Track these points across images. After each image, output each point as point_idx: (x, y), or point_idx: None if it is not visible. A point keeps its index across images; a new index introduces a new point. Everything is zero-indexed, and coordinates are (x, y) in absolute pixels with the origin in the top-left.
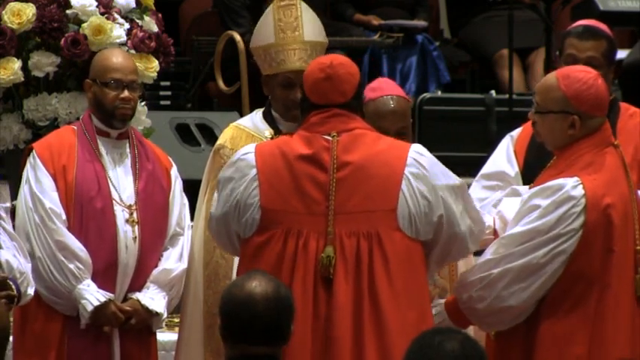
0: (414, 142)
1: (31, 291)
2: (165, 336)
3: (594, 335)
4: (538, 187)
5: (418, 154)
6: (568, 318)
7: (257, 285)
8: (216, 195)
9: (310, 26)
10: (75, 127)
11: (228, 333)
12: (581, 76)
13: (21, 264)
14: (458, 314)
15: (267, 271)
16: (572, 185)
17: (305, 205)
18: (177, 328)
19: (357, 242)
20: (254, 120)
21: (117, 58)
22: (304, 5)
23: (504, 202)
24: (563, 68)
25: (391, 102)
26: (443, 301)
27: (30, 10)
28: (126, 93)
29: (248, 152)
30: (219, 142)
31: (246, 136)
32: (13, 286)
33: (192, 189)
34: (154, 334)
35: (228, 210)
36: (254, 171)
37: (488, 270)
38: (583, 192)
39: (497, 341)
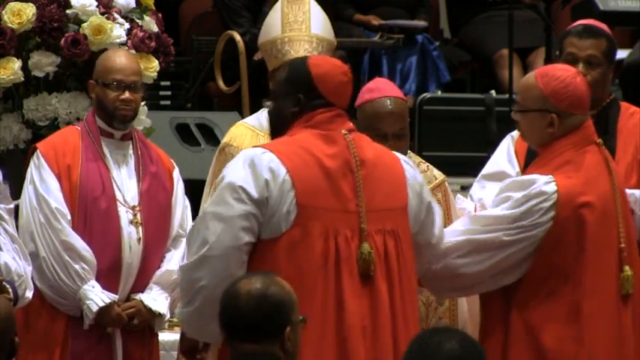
0: (412, 142)
1: (29, 294)
2: (166, 336)
3: (569, 331)
4: (512, 180)
5: (405, 159)
6: (539, 310)
7: (247, 283)
8: (230, 199)
9: (318, 21)
10: (79, 128)
11: (222, 330)
12: (559, 74)
13: (20, 267)
14: None
15: (314, 269)
16: (544, 181)
17: (340, 202)
18: (177, 328)
19: (384, 239)
20: (260, 119)
21: (120, 59)
22: (314, 2)
23: (486, 190)
24: (542, 67)
25: (389, 103)
26: None
27: (30, 10)
28: (127, 94)
29: (264, 152)
30: (224, 140)
31: (251, 134)
32: (10, 289)
33: (192, 189)
34: (156, 334)
35: (251, 210)
36: (283, 170)
37: (449, 237)
38: (555, 188)
39: (481, 330)
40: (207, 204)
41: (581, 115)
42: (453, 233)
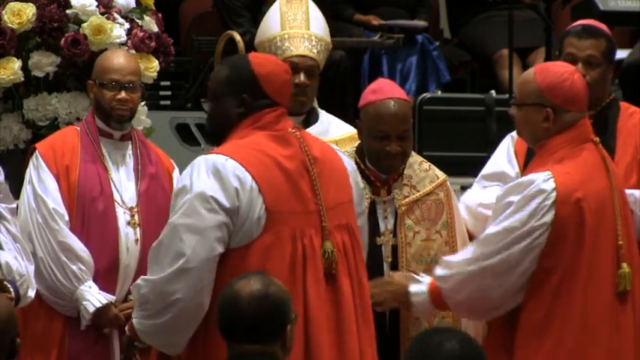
0: (413, 143)
1: (31, 293)
2: None
3: (568, 332)
4: (511, 184)
5: (338, 149)
6: (544, 312)
7: (245, 284)
8: (202, 209)
9: (316, 21)
10: (78, 128)
11: (220, 332)
12: (557, 69)
13: (21, 266)
14: (439, 299)
15: (284, 272)
16: (543, 179)
17: (302, 203)
18: None
19: (342, 235)
20: None
21: (117, 59)
22: (312, 3)
23: (487, 192)
24: (542, 63)
25: (392, 105)
26: (426, 282)
27: (30, 10)
28: (123, 94)
29: (227, 159)
30: None
31: None
32: (11, 288)
33: None
34: None
35: (224, 220)
36: (249, 176)
37: (465, 266)
38: (554, 185)
39: (487, 338)
40: (175, 216)
41: (577, 113)
42: (466, 262)
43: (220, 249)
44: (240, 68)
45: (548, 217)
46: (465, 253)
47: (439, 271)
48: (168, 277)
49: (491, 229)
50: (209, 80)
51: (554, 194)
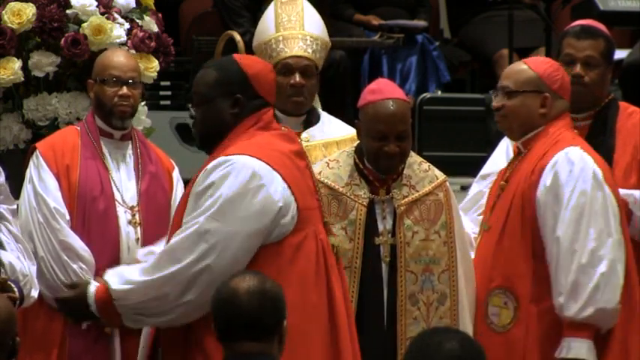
0: (412, 142)
1: (34, 293)
2: None
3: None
4: (544, 175)
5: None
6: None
7: (241, 281)
8: (237, 214)
9: (312, 21)
10: (78, 128)
11: (217, 332)
12: (546, 60)
13: (24, 266)
14: (589, 330)
15: (311, 268)
16: (578, 153)
17: (312, 200)
18: None
19: (328, 230)
20: None
21: (117, 56)
22: (307, 3)
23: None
24: (527, 58)
25: (391, 105)
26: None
27: (30, 10)
28: (124, 90)
29: (255, 160)
30: None
31: None
32: (15, 288)
33: None
34: None
35: (258, 227)
36: (278, 176)
37: (591, 276)
38: (590, 157)
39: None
40: (202, 217)
41: (567, 102)
42: (585, 271)
43: (249, 256)
44: (229, 70)
45: (605, 185)
46: (568, 260)
47: (572, 310)
48: (188, 279)
49: (562, 216)
50: (194, 85)
51: (596, 164)
